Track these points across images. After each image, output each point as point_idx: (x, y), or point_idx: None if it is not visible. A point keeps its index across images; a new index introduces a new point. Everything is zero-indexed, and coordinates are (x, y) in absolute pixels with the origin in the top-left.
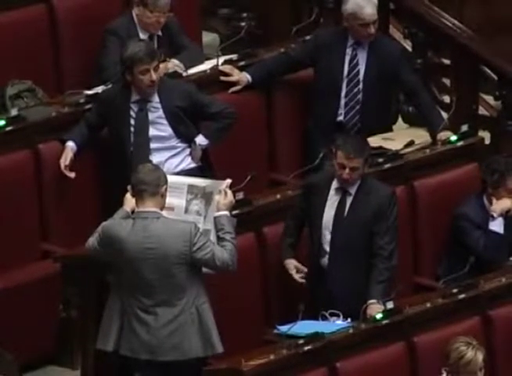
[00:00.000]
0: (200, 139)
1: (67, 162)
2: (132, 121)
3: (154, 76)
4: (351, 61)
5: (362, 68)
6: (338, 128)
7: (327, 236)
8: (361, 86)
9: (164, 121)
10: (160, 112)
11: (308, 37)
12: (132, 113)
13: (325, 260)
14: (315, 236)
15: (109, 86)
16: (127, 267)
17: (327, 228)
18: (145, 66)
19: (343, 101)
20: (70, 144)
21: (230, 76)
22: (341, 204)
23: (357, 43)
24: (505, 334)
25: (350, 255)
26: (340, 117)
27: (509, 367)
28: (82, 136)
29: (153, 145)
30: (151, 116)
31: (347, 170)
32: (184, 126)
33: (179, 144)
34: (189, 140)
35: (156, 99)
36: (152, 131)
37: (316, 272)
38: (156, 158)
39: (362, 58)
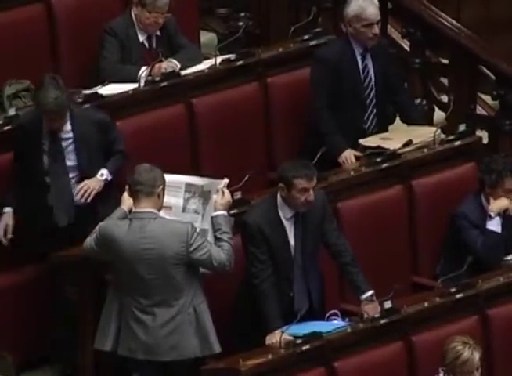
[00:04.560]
0: (106, 172)
1: (9, 234)
2: (46, 150)
3: (56, 126)
4: (363, 70)
5: (371, 74)
6: (362, 136)
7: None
8: (374, 91)
9: (73, 151)
10: (71, 141)
11: (318, 68)
12: (45, 141)
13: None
14: (283, 266)
15: (25, 113)
16: (124, 267)
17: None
18: (49, 116)
19: (367, 110)
20: (7, 210)
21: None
22: (297, 229)
23: (364, 50)
24: (503, 334)
25: (311, 262)
26: (366, 125)
27: (506, 367)
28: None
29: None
30: (63, 144)
31: (310, 192)
32: (88, 158)
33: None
34: (87, 173)
35: (68, 127)
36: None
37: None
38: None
39: (369, 64)
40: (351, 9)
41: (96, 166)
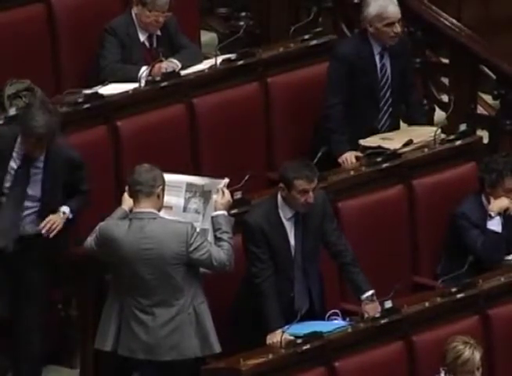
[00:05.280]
0: (67, 210)
1: None
2: (11, 172)
3: (36, 153)
4: (381, 69)
5: (389, 73)
6: (372, 134)
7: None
8: (390, 91)
9: (39, 181)
10: (40, 171)
11: (334, 62)
12: (14, 163)
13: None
14: (283, 266)
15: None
16: (124, 267)
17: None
18: (30, 140)
19: (382, 109)
20: None
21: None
22: (297, 230)
23: (383, 49)
24: (503, 334)
25: (311, 262)
26: (380, 124)
27: (507, 366)
28: None
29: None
30: (32, 171)
31: (310, 193)
32: (51, 192)
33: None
34: (46, 206)
35: (41, 158)
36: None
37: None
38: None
39: (387, 63)
40: (372, 8)
41: (57, 201)
